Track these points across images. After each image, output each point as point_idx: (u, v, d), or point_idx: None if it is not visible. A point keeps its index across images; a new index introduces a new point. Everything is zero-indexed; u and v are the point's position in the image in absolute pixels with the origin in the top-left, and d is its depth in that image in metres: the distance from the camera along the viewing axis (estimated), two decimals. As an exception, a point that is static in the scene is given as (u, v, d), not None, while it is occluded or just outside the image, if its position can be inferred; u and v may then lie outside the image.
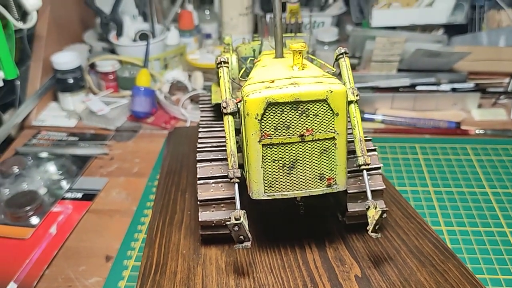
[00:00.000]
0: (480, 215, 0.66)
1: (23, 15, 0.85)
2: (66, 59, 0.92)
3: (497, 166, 0.76)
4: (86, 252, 0.64)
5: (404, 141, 0.83)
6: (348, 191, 0.42)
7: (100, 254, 0.63)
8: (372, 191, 0.39)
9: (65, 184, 0.75)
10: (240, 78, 0.53)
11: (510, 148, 0.80)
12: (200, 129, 0.49)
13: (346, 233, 0.43)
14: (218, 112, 0.56)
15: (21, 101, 0.92)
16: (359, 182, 0.41)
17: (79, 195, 0.73)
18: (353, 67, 1.01)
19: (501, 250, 0.59)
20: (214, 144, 0.43)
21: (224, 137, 0.39)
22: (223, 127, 0.48)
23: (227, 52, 0.56)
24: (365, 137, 0.40)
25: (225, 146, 0.42)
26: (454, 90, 0.90)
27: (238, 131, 0.39)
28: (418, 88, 0.90)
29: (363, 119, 0.88)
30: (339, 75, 0.43)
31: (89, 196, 0.73)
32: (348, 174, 0.41)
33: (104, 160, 0.82)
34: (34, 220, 0.68)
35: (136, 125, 0.90)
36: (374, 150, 0.42)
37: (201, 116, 0.54)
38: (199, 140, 0.45)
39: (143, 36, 0.99)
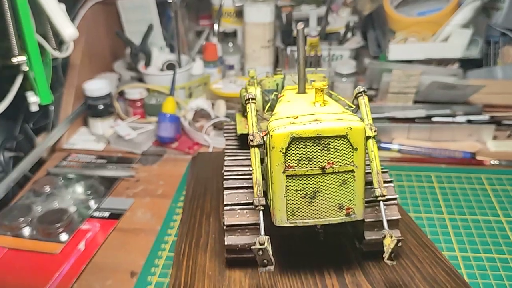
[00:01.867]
0: (494, 243, 0.67)
1: (60, 43, 0.92)
2: (97, 86, 0.98)
3: (512, 195, 0.77)
4: (112, 268, 0.67)
5: (420, 170, 0.85)
6: (366, 220, 0.44)
7: (125, 270, 0.66)
8: (388, 220, 0.41)
9: (93, 204, 0.79)
10: (265, 113, 0.56)
11: (525, 179, 0.81)
12: (226, 158, 0.52)
13: (363, 261, 0.45)
14: (242, 141, 0.59)
15: (54, 125, 0.97)
16: (375, 212, 0.43)
17: (106, 214, 0.77)
18: (371, 99, 1.04)
19: (501, 275, 0.61)
20: (240, 173, 0.46)
21: (249, 165, 0.42)
22: (247, 155, 0.51)
23: (251, 85, 0.59)
24: (382, 169, 0.43)
25: (250, 174, 0.44)
26: (469, 121, 0.92)
27: (262, 160, 0.42)
28: (433, 119, 0.93)
29: (380, 148, 0.91)
30: (357, 111, 0.45)
31: (115, 215, 0.77)
32: (366, 204, 0.43)
33: (130, 182, 0.85)
34: (64, 236, 0.72)
35: (161, 149, 0.94)
36: (390, 181, 0.45)
37: (226, 144, 0.58)
38: (226, 168, 0.48)
39: (170, 66, 1.04)
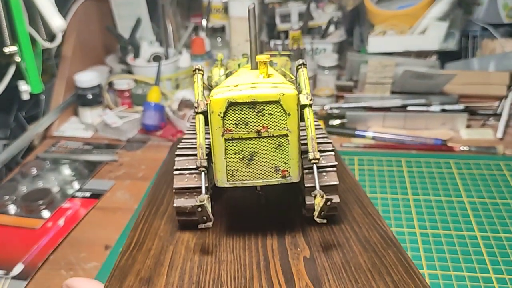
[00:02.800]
0: (454, 221, 0.70)
1: (52, 37, 0.96)
2: (88, 77, 1.03)
3: (477, 179, 0.80)
4: (88, 242, 0.71)
5: (391, 155, 0.88)
6: (306, 185, 0.46)
7: (100, 243, 0.70)
8: (327, 185, 0.43)
9: (76, 185, 0.83)
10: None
11: (492, 164, 0.83)
12: (186, 132, 0.55)
13: (306, 225, 0.47)
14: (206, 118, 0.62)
15: (45, 114, 1.02)
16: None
17: (88, 194, 0.81)
18: (350, 89, 1.07)
19: (469, 251, 0.63)
20: (194, 143, 0.49)
21: (206, 138, 0.44)
22: (208, 131, 0.54)
23: (216, 66, 0.62)
24: (327, 141, 0.46)
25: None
26: (443, 110, 0.94)
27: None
28: (408, 108, 0.95)
29: (354, 136, 0.94)
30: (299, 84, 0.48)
31: (96, 195, 0.81)
32: (306, 171, 0.45)
33: (114, 166, 0.90)
34: (46, 213, 0.76)
35: (146, 137, 0.98)
36: (332, 151, 0.47)
37: (190, 123, 0.61)
38: (182, 140, 0.51)
39: (157, 58, 1.08)
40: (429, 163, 0.85)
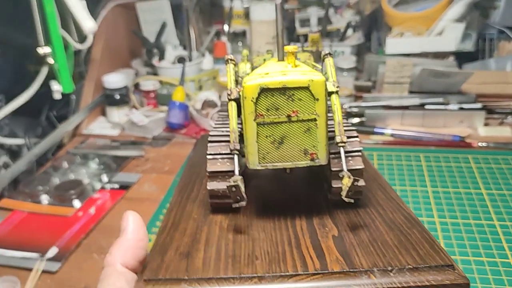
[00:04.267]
0: (472, 211, 0.71)
1: (83, 39, 1.01)
2: (115, 79, 1.07)
3: (496, 172, 0.81)
4: (118, 229, 0.73)
5: (410, 151, 0.89)
6: (332, 169, 0.48)
7: (129, 230, 0.73)
8: (353, 169, 0.44)
9: (105, 177, 0.87)
10: None
11: (510, 158, 0.85)
12: (216, 120, 0.58)
13: (332, 208, 0.49)
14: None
15: (75, 113, 1.06)
16: (341, 162, 0.47)
17: (116, 186, 0.85)
18: (368, 90, 1.10)
19: (488, 238, 0.65)
20: (225, 131, 0.51)
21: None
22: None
23: (242, 61, 0.65)
24: (351, 129, 0.48)
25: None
26: (461, 109, 0.96)
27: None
28: (426, 107, 0.97)
29: (373, 133, 0.96)
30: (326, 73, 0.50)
31: (124, 187, 0.84)
32: (332, 155, 0.47)
33: (140, 160, 0.93)
34: (77, 203, 0.80)
35: (171, 135, 1.02)
36: (356, 136, 0.49)
37: (219, 111, 0.63)
38: (213, 128, 0.53)
39: (181, 60, 1.12)
40: (447, 158, 0.87)
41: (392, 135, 0.95)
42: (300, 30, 1.20)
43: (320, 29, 1.15)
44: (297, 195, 0.52)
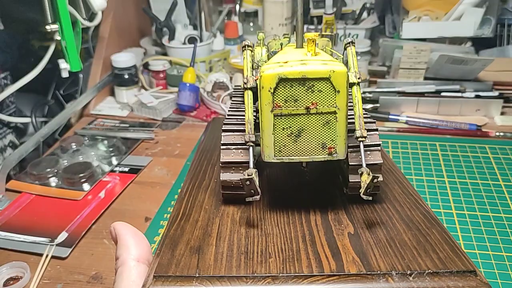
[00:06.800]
0: (490, 203, 0.70)
1: (90, 16, 0.99)
2: (124, 58, 1.05)
3: (513, 163, 0.80)
4: (128, 214, 0.73)
5: (426, 139, 0.88)
6: (350, 164, 0.46)
7: (140, 215, 0.72)
8: (371, 164, 0.42)
9: (114, 160, 0.85)
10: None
11: (528, 149, 0.83)
12: (230, 107, 0.55)
13: (348, 203, 0.47)
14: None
15: (82, 93, 1.04)
16: (360, 157, 0.45)
17: (126, 169, 0.83)
18: (383, 75, 1.07)
19: (508, 232, 0.64)
20: (240, 119, 0.49)
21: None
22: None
23: (258, 46, 0.62)
24: (371, 121, 0.46)
25: None
26: (477, 97, 0.94)
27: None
28: (442, 94, 0.95)
29: (388, 120, 0.94)
30: (346, 62, 0.48)
31: (134, 170, 0.83)
32: (350, 149, 0.45)
33: (150, 143, 0.91)
34: (86, 186, 0.78)
35: (181, 117, 1.00)
36: (376, 130, 0.47)
37: (233, 98, 0.61)
38: (227, 115, 0.51)
39: (191, 40, 1.10)
40: (464, 147, 0.85)
41: (406, 122, 0.93)
42: (314, 11, 1.17)
43: (334, 10, 1.12)
44: (311, 188, 0.50)
